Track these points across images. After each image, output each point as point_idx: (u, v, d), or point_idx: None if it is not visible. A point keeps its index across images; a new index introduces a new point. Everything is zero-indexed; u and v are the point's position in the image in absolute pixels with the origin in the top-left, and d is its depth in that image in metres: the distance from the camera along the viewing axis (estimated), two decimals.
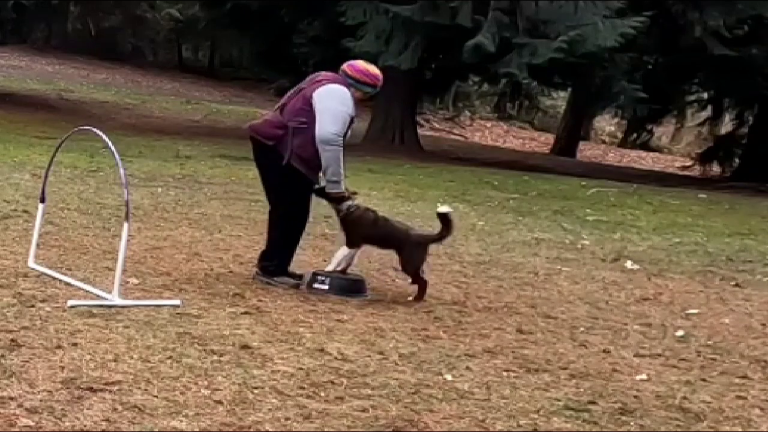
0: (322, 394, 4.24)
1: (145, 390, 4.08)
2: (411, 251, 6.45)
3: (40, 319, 5.04)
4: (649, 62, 22.96)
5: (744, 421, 4.43)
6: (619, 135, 33.26)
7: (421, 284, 6.44)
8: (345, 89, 6.32)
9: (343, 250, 6.47)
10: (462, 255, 8.31)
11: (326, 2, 19.19)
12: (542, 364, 5.06)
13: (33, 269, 6.15)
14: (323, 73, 6.56)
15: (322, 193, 6.40)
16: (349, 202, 6.43)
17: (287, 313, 5.67)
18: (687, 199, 15.13)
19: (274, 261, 6.47)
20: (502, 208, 11.91)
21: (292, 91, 6.60)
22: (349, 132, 6.44)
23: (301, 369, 4.58)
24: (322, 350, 4.93)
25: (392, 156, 17.92)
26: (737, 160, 24.88)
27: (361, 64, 6.50)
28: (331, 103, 6.25)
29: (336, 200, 6.43)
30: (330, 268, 6.45)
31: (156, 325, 5.11)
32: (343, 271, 6.44)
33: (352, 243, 6.46)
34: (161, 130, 20.22)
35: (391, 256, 6.94)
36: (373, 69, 6.50)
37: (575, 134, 29.00)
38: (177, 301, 5.63)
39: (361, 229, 6.43)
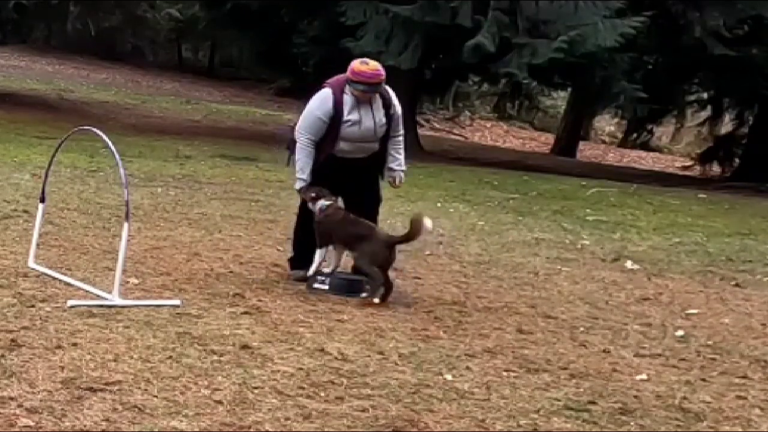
0: (322, 394, 4.25)
1: (145, 390, 4.08)
2: (373, 248, 6.30)
3: (40, 319, 5.04)
4: (649, 62, 22.92)
5: (744, 421, 4.43)
6: (619, 135, 33.21)
7: (387, 285, 6.26)
8: (325, 92, 6.52)
9: (319, 252, 6.47)
10: (462, 255, 8.31)
11: (326, 2, 19.17)
12: (542, 364, 5.06)
13: (33, 269, 6.16)
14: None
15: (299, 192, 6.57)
16: (322, 202, 6.44)
17: (287, 313, 5.68)
18: (687, 199, 15.12)
19: (293, 254, 6.86)
20: (502, 208, 11.90)
21: None
22: (354, 130, 6.47)
23: (301, 369, 4.58)
24: (322, 350, 4.93)
25: None
26: (737, 160, 24.85)
27: (354, 63, 6.55)
28: (308, 106, 6.59)
29: (309, 200, 6.52)
30: (311, 271, 6.42)
31: (156, 325, 5.11)
32: (332, 272, 6.45)
33: (320, 243, 6.46)
34: (161, 130, 20.21)
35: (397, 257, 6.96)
36: (359, 66, 6.47)
37: (575, 134, 28.98)
38: (177, 301, 5.64)
39: (328, 227, 6.42)
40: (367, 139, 6.59)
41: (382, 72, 6.52)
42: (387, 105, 6.64)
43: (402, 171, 6.79)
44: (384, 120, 6.62)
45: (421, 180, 14.48)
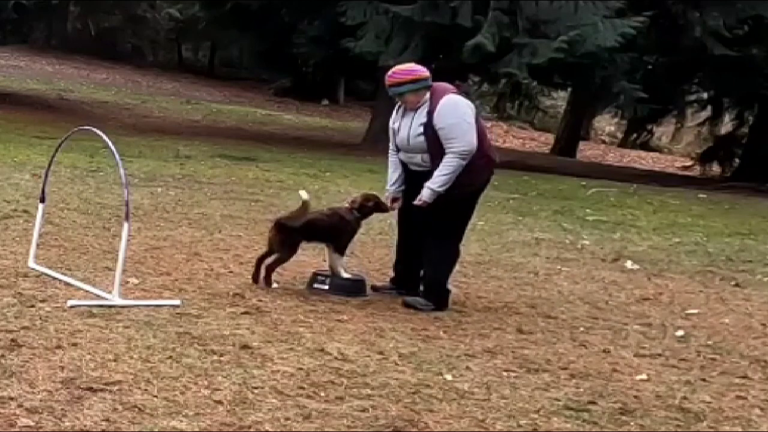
0: (322, 394, 4.24)
1: (145, 390, 4.08)
2: None
3: (40, 319, 5.04)
4: (649, 62, 22.94)
5: (744, 421, 4.43)
6: (619, 135, 33.24)
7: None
8: None
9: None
10: (462, 255, 8.28)
11: (326, 2, 19.18)
12: (542, 364, 5.06)
13: (33, 269, 6.16)
14: None
15: None
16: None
17: (287, 313, 5.67)
18: (687, 199, 15.13)
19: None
20: (502, 208, 11.90)
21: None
22: (397, 139, 6.36)
23: (301, 369, 4.58)
24: (322, 350, 4.93)
25: None
26: (737, 160, 24.87)
27: None
28: None
29: None
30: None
31: (156, 325, 5.11)
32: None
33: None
34: (161, 130, 20.21)
35: (391, 257, 6.94)
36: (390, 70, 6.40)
37: (575, 134, 28.98)
38: (177, 301, 5.64)
39: None
40: (403, 148, 6.32)
41: (400, 74, 6.23)
42: (430, 115, 6.13)
43: (428, 189, 6.08)
44: (420, 131, 6.15)
45: None
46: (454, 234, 6.35)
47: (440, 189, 6.09)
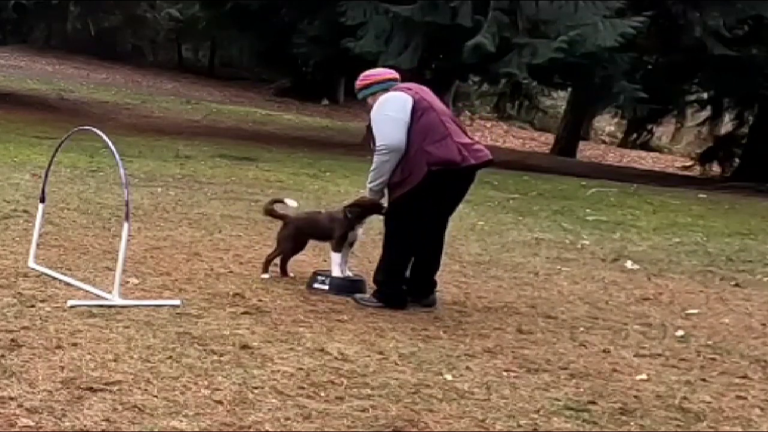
0: (322, 394, 4.24)
1: (145, 390, 4.08)
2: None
3: (40, 319, 5.04)
4: (649, 62, 22.95)
5: (744, 421, 4.43)
6: (619, 135, 33.25)
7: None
8: None
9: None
10: (462, 255, 8.30)
11: (326, 2, 19.19)
12: (542, 364, 5.06)
13: (33, 269, 6.16)
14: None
15: None
16: None
17: (287, 313, 5.67)
18: (687, 199, 15.14)
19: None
20: (502, 208, 11.91)
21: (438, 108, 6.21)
22: None
23: (301, 369, 4.58)
24: (322, 350, 4.93)
25: None
26: (737, 160, 24.88)
27: None
28: None
29: None
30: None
31: (156, 325, 5.11)
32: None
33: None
34: (161, 130, 20.22)
35: None
36: None
37: (575, 134, 28.99)
38: (177, 301, 5.63)
39: None
40: None
41: (359, 80, 6.28)
42: None
43: (367, 188, 6.21)
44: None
45: None
46: (397, 237, 6.10)
47: (371, 185, 6.13)
